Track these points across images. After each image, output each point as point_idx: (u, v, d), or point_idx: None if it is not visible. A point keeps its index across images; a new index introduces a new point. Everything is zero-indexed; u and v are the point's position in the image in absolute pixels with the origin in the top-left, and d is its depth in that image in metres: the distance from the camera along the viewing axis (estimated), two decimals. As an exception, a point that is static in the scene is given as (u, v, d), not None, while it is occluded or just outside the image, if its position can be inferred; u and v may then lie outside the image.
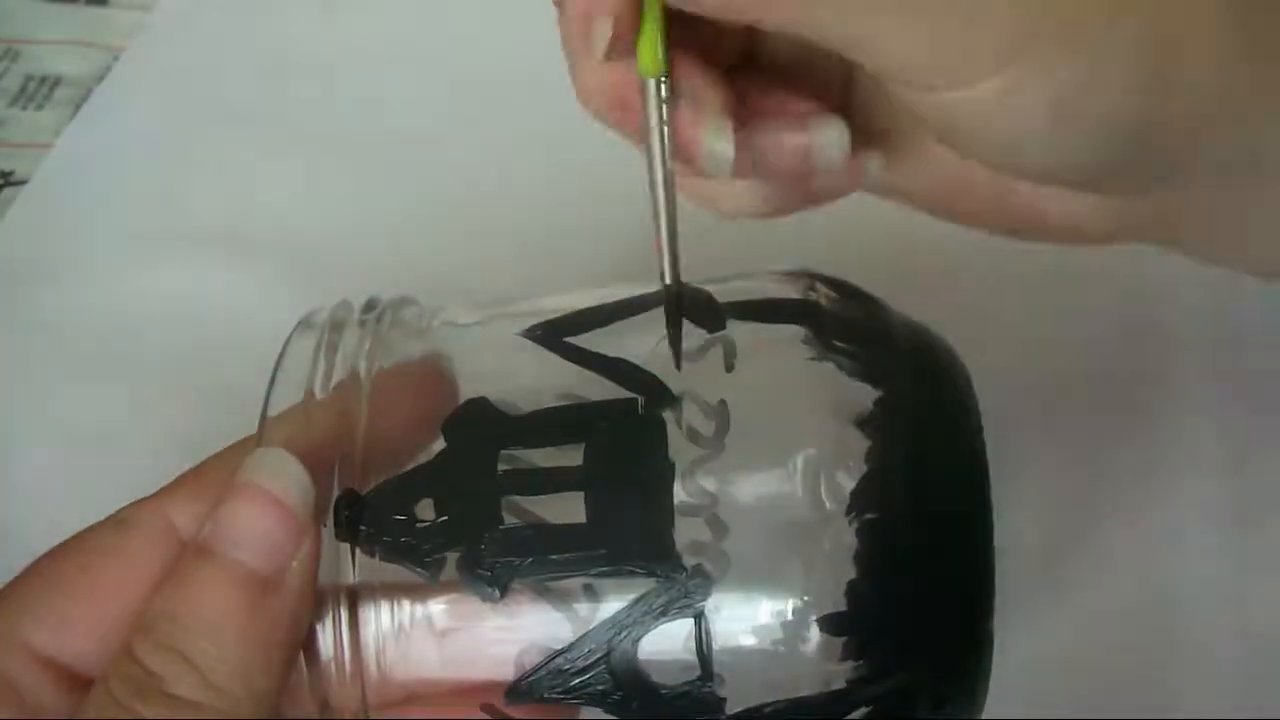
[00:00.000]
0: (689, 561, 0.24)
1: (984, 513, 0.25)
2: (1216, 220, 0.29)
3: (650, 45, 0.26)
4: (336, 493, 0.25)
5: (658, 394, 0.26)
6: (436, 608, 0.26)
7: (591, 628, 0.25)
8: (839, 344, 0.26)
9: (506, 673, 0.25)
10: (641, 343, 0.27)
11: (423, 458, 0.26)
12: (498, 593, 0.25)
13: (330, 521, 0.25)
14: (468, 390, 0.27)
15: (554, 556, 0.25)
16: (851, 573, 0.24)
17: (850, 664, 0.24)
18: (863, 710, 0.25)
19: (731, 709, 0.25)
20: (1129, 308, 0.41)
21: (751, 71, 0.29)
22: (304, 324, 0.29)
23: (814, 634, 0.24)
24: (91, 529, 0.27)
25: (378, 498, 0.25)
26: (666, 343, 0.26)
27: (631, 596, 0.24)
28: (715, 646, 0.24)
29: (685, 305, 0.27)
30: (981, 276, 0.42)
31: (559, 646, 0.25)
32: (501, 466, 0.25)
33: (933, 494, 0.25)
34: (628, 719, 0.25)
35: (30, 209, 0.48)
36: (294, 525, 0.25)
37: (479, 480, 0.25)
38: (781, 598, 0.25)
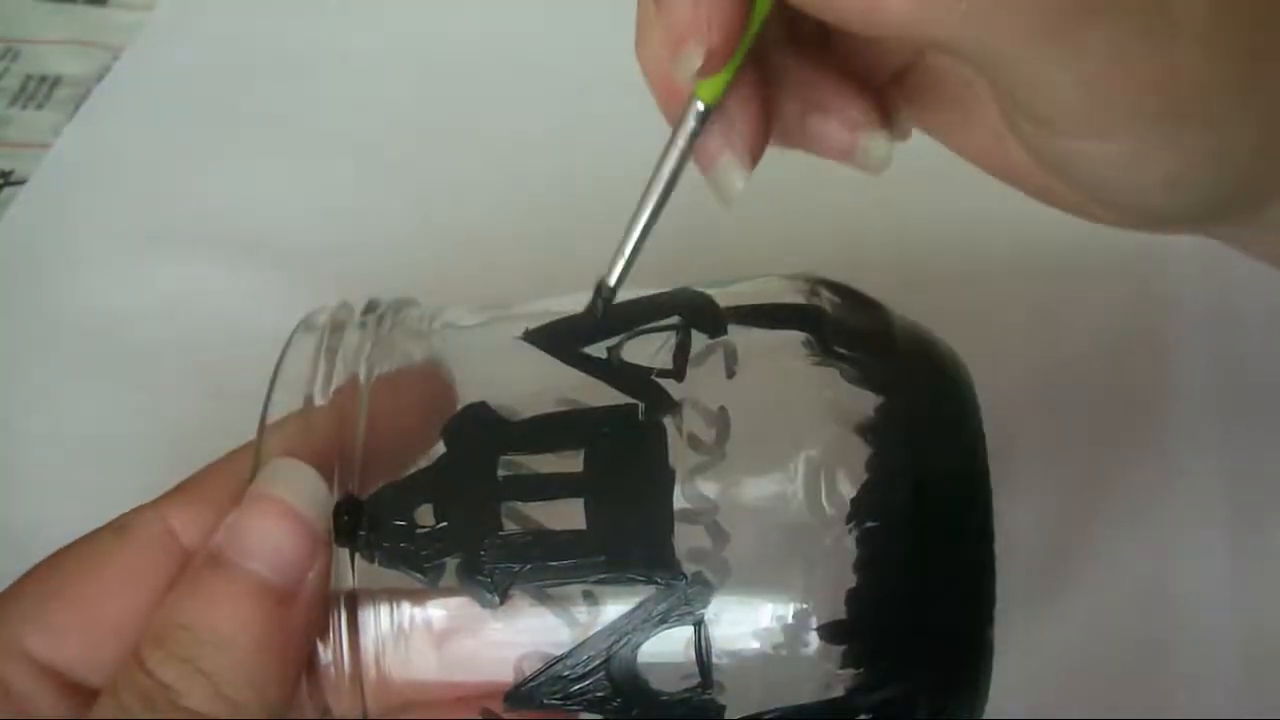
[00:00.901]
0: (689, 569, 0.24)
1: (985, 522, 0.25)
2: None
3: (727, 75, 0.25)
4: (336, 498, 0.25)
5: (658, 400, 0.25)
6: (436, 613, 0.26)
7: (591, 634, 0.25)
8: (841, 350, 0.26)
9: (506, 678, 0.25)
10: (643, 347, 0.26)
11: (423, 462, 0.26)
12: (497, 599, 0.25)
13: (330, 526, 0.25)
14: (468, 393, 0.27)
15: (553, 563, 0.25)
16: (852, 581, 0.24)
17: (850, 672, 0.24)
18: (862, 718, 0.25)
19: (731, 716, 0.25)
20: (1130, 309, 0.41)
21: (820, 42, 0.29)
22: (304, 325, 0.29)
23: (813, 642, 0.24)
24: (91, 535, 0.27)
25: (377, 503, 0.25)
26: (668, 348, 0.26)
27: (631, 603, 0.24)
28: (715, 654, 0.24)
29: (688, 310, 0.27)
30: (983, 279, 0.42)
31: (559, 653, 0.25)
32: (501, 472, 0.25)
33: (933, 503, 0.25)
34: None
35: (30, 209, 0.48)
36: (310, 539, 0.25)
37: (479, 486, 0.25)
38: (781, 605, 0.24)
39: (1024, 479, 0.37)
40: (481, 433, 0.26)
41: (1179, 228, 0.30)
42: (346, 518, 0.25)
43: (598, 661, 0.25)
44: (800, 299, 0.28)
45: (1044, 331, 0.41)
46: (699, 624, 0.24)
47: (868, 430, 0.25)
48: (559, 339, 0.27)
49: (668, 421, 0.25)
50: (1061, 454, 0.38)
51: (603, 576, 0.24)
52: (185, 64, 0.54)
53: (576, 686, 0.25)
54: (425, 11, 0.54)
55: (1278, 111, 0.25)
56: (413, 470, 0.26)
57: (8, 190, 0.49)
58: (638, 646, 0.24)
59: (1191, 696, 0.34)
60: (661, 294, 0.28)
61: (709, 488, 0.25)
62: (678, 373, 0.26)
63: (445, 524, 0.25)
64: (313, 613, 0.25)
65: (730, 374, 0.26)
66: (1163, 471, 0.38)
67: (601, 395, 0.26)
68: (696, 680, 0.25)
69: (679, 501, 0.25)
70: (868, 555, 0.24)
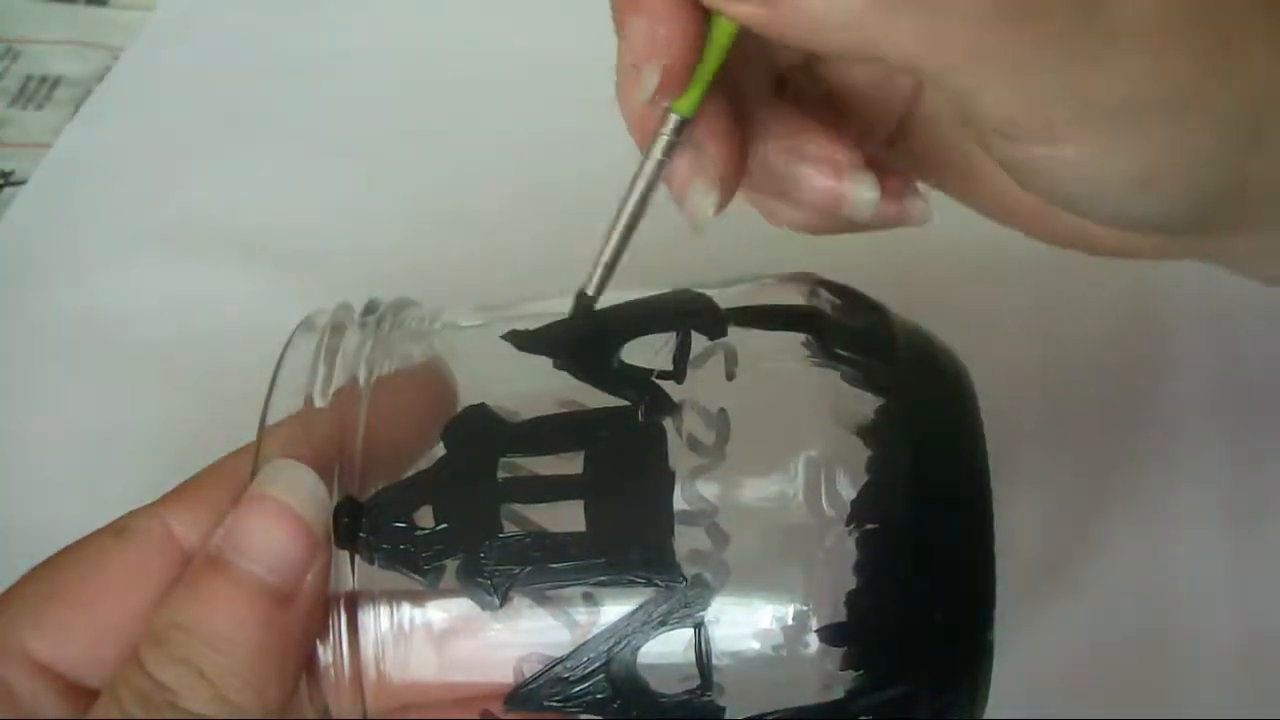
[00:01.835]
0: (689, 571, 0.24)
1: (985, 524, 0.25)
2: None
3: (698, 91, 0.26)
4: (336, 500, 0.25)
5: (658, 402, 0.25)
6: (436, 615, 0.26)
7: (591, 636, 0.25)
8: (841, 352, 0.26)
9: (506, 680, 0.25)
10: (643, 348, 0.26)
11: (423, 463, 0.26)
12: (497, 601, 0.25)
13: (330, 528, 0.25)
14: (468, 394, 0.27)
15: (553, 565, 0.24)
16: (852, 583, 0.24)
17: (850, 674, 0.24)
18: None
19: (731, 718, 0.25)
20: (1130, 309, 0.41)
21: (810, 92, 0.30)
22: (305, 326, 0.29)
23: (813, 644, 0.24)
24: (91, 537, 0.27)
25: (377, 505, 0.25)
26: (668, 349, 0.26)
27: (631, 605, 0.24)
28: (715, 656, 0.24)
29: (688, 311, 0.27)
30: (984, 279, 0.42)
31: (559, 654, 0.25)
32: (501, 474, 0.25)
33: (934, 505, 0.25)
34: None
35: (30, 209, 0.48)
36: (309, 540, 0.25)
37: (478, 488, 0.25)
38: (781, 607, 0.24)
39: (1024, 479, 0.37)
40: (481, 434, 0.26)
41: (1173, 247, 0.29)
42: (346, 520, 0.25)
43: (598, 664, 0.25)
44: (800, 300, 0.28)
45: (1044, 332, 0.41)
46: (699, 626, 0.24)
47: (868, 432, 0.25)
48: (557, 342, 0.27)
49: (667, 423, 0.25)
50: (1062, 454, 0.38)
51: (603, 579, 0.24)
52: (185, 64, 0.54)
53: (576, 688, 0.25)
54: (425, 12, 0.54)
55: (1254, 104, 0.24)
56: (412, 472, 0.26)
57: (8, 190, 0.49)
58: (638, 648, 0.24)
59: (1191, 696, 0.34)
60: (661, 295, 0.28)
61: (709, 490, 0.25)
62: (678, 374, 0.26)
63: (445, 526, 0.25)
64: (312, 614, 0.25)
65: (730, 376, 0.26)
66: (1163, 471, 0.38)
67: (602, 397, 0.26)
68: (696, 682, 0.25)
69: (679, 503, 0.25)
70: (868, 557, 0.24)
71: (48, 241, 0.47)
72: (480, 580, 0.25)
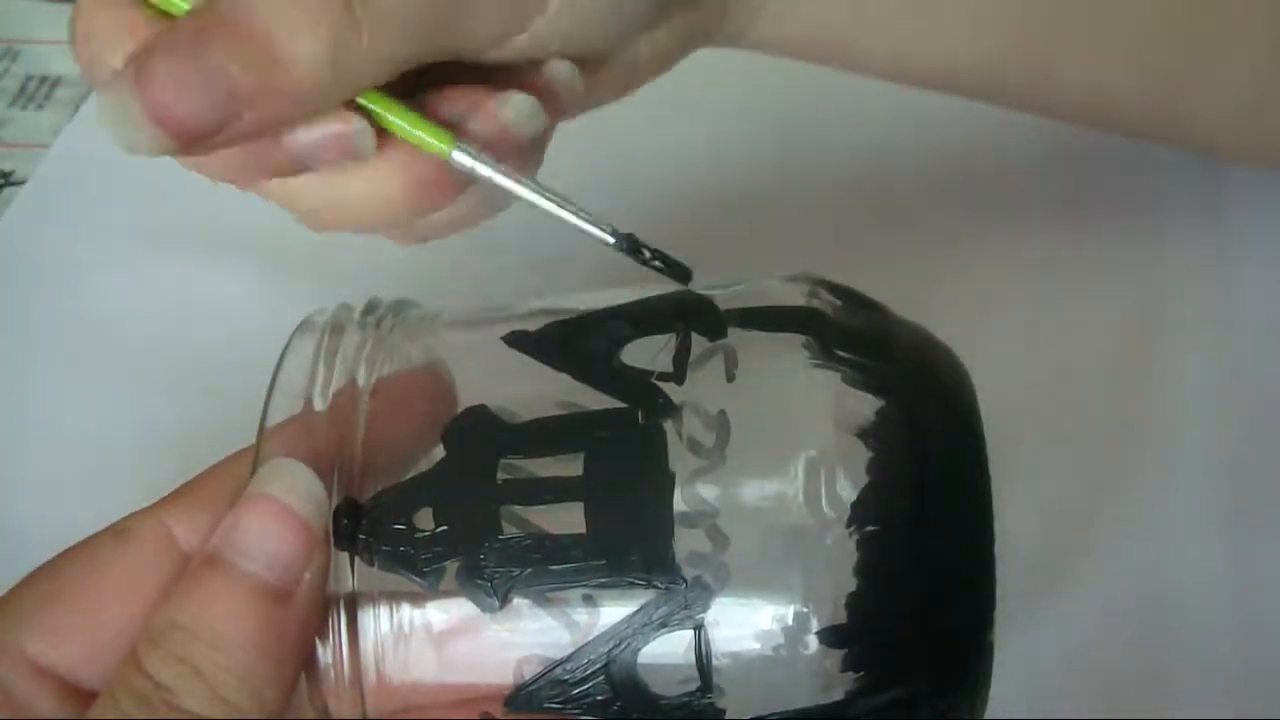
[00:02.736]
0: (689, 573, 0.24)
1: (985, 525, 0.25)
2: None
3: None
4: (335, 502, 0.25)
5: (658, 404, 0.25)
6: (436, 616, 0.25)
7: (591, 638, 0.25)
8: (841, 353, 0.26)
9: (506, 682, 0.25)
10: (643, 350, 0.26)
11: (423, 465, 0.26)
12: (497, 603, 0.25)
13: (329, 530, 0.25)
14: (468, 396, 0.27)
15: (553, 567, 0.24)
16: (852, 585, 0.24)
17: (850, 676, 0.24)
18: None
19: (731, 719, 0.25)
20: (1130, 308, 0.41)
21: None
22: (304, 326, 0.29)
23: (814, 645, 0.24)
24: (91, 539, 0.27)
25: (377, 507, 0.25)
26: (668, 350, 0.26)
27: (631, 607, 0.24)
28: (715, 658, 0.24)
29: (688, 313, 0.27)
30: (983, 280, 0.42)
31: (559, 656, 0.25)
32: (501, 476, 0.25)
33: (934, 507, 0.25)
34: None
35: (30, 209, 0.48)
36: (307, 538, 0.25)
37: (478, 490, 0.25)
38: (781, 609, 0.24)
39: (1024, 479, 0.37)
40: (481, 436, 0.26)
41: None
42: (346, 521, 0.25)
43: (598, 665, 0.24)
44: (800, 301, 0.27)
45: (1044, 333, 0.41)
46: (699, 628, 0.24)
47: (868, 434, 0.25)
48: (557, 343, 0.27)
49: (668, 425, 0.25)
50: (1061, 455, 0.38)
51: (602, 580, 0.24)
52: (185, 64, 0.53)
53: (576, 690, 0.25)
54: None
55: None
56: (412, 474, 0.26)
57: (8, 190, 0.49)
58: (638, 650, 0.24)
59: (1192, 696, 0.34)
60: (661, 295, 0.28)
61: (709, 491, 0.25)
62: (678, 376, 0.26)
63: (445, 528, 0.25)
64: (310, 613, 0.25)
65: (730, 377, 0.26)
66: (1163, 471, 0.38)
67: (602, 398, 0.26)
68: (697, 684, 0.24)
69: (679, 505, 0.24)
70: (869, 559, 0.24)
71: (48, 241, 0.47)
72: (480, 582, 0.25)
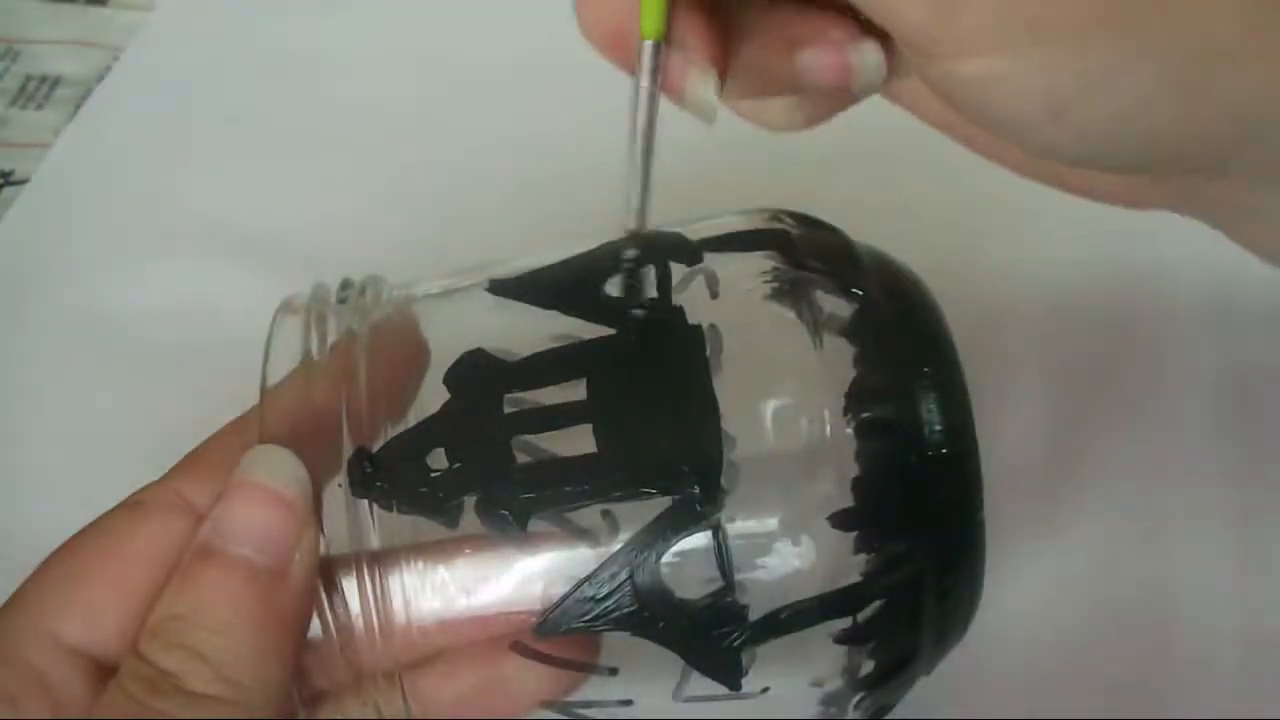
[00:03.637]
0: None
1: (965, 409, 0.26)
2: (1253, 212, 0.28)
3: (654, 8, 0.26)
4: (348, 451, 0.25)
5: (651, 324, 0.26)
6: (460, 555, 0.26)
7: (613, 552, 0.25)
8: (812, 262, 0.27)
9: (535, 610, 0.26)
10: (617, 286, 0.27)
11: (415, 416, 0.26)
12: (518, 529, 0.25)
13: (345, 480, 0.25)
14: (459, 346, 0.27)
15: (569, 488, 0.25)
16: (855, 470, 0.25)
17: (861, 558, 0.25)
18: (875, 605, 0.26)
19: (754, 615, 0.26)
20: (1130, 307, 0.41)
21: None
22: (285, 306, 0.29)
23: (826, 532, 0.25)
24: (105, 515, 0.27)
25: (390, 452, 0.26)
26: (650, 281, 0.27)
27: (649, 518, 0.25)
28: (734, 557, 0.25)
29: (661, 246, 0.28)
30: (983, 280, 0.42)
31: (583, 576, 0.25)
32: (507, 409, 0.26)
33: (918, 389, 0.26)
34: (655, 639, 0.26)
35: (30, 209, 0.48)
36: (295, 518, 0.25)
37: (487, 423, 0.26)
38: (792, 501, 0.26)
39: (1024, 482, 0.37)
40: (483, 375, 0.26)
41: (1143, 193, 0.29)
42: (367, 468, 0.25)
43: (622, 577, 0.25)
44: (764, 225, 0.29)
45: (1043, 334, 0.41)
46: (716, 529, 0.25)
47: (850, 332, 0.26)
48: (542, 286, 0.28)
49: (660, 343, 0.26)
50: (1061, 455, 0.38)
51: (618, 495, 0.25)
52: (185, 64, 0.54)
53: (603, 605, 0.25)
54: (425, 11, 0.53)
55: (1188, 46, 0.24)
56: (420, 420, 0.26)
57: (8, 190, 0.49)
58: (660, 557, 0.25)
59: (1192, 696, 0.34)
60: (631, 235, 0.28)
61: None
62: (663, 299, 0.27)
63: (459, 464, 0.25)
64: (304, 590, 0.25)
65: (714, 295, 0.27)
66: (1162, 471, 0.38)
67: (592, 328, 0.27)
68: (719, 584, 0.25)
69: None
70: (866, 444, 0.25)
71: (48, 241, 0.47)
72: (500, 511, 0.25)
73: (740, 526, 0.25)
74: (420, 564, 0.26)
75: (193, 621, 0.24)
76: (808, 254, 0.28)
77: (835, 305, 0.27)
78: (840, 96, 0.29)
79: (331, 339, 0.27)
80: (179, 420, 0.40)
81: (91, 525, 0.27)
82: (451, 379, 0.26)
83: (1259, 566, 0.36)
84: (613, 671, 0.27)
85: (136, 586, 0.26)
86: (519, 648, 0.26)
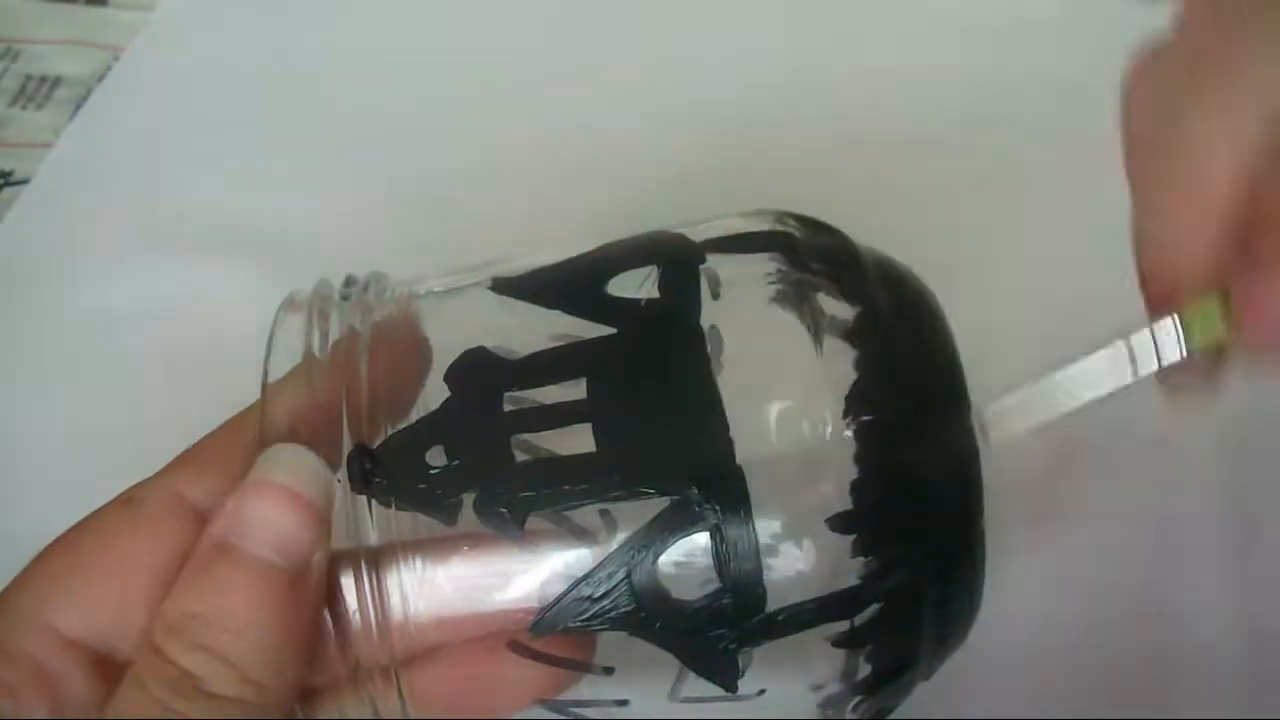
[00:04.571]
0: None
1: (965, 415, 0.26)
2: None
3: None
4: (348, 447, 0.25)
5: (652, 323, 0.26)
6: (458, 552, 0.26)
7: (610, 552, 0.25)
8: (816, 265, 0.27)
9: (532, 609, 0.26)
10: (626, 284, 0.27)
11: (419, 411, 0.26)
12: (516, 528, 0.25)
13: (344, 476, 0.25)
14: (461, 344, 0.27)
15: (567, 487, 0.25)
16: (854, 473, 0.25)
17: (860, 561, 0.25)
18: (873, 609, 0.26)
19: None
20: (1130, 307, 0.41)
21: None
22: (287, 303, 0.29)
23: (824, 535, 0.25)
24: (100, 510, 0.27)
25: (389, 449, 0.26)
26: (652, 280, 0.27)
27: (647, 518, 0.25)
28: (731, 558, 0.25)
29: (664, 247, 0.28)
30: (982, 281, 0.42)
31: (580, 575, 0.25)
32: (507, 408, 0.26)
33: (919, 395, 0.26)
34: (651, 639, 0.25)
35: (30, 209, 0.48)
36: (316, 520, 0.25)
37: (487, 422, 0.26)
38: (791, 503, 0.25)
39: (1020, 486, 0.37)
40: (483, 373, 0.26)
41: None
42: (366, 465, 0.25)
43: (620, 577, 0.25)
44: (768, 227, 0.29)
45: (1045, 335, 0.41)
46: (714, 529, 0.25)
47: (852, 334, 0.26)
48: (544, 284, 0.28)
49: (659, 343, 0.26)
50: (1061, 455, 0.38)
51: (617, 494, 0.25)
52: (185, 64, 0.54)
53: (600, 605, 0.25)
54: (425, 12, 0.54)
55: None
56: (417, 416, 0.26)
57: (8, 190, 0.49)
58: (657, 558, 0.25)
59: (1192, 697, 0.34)
60: (635, 236, 0.29)
61: None
62: (665, 300, 0.27)
63: (458, 462, 0.25)
64: (321, 591, 0.25)
65: (715, 296, 0.27)
66: (1162, 471, 0.38)
67: (594, 328, 0.27)
68: (716, 585, 0.25)
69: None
70: (866, 447, 0.25)
71: (48, 241, 0.47)
72: (498, 509, 0.25)
73: (738, 529, 0.25)
74: (418, 561, 0.26)
75: (214, 623, 0.24)
76: (811, 256, 0.28)
77: (837, 308, 0.27)
78: None
79: (334, 336, 0.27)
80: (179, 420, 0.40)
81: (87, 519, 0.27)
82: (452, 376, 0.26)
83: (1259, 566, 0.36)
84: (609, 671, 0.27)
85: (134, 579, 0.26)
86: (515, 646, 0.26)
